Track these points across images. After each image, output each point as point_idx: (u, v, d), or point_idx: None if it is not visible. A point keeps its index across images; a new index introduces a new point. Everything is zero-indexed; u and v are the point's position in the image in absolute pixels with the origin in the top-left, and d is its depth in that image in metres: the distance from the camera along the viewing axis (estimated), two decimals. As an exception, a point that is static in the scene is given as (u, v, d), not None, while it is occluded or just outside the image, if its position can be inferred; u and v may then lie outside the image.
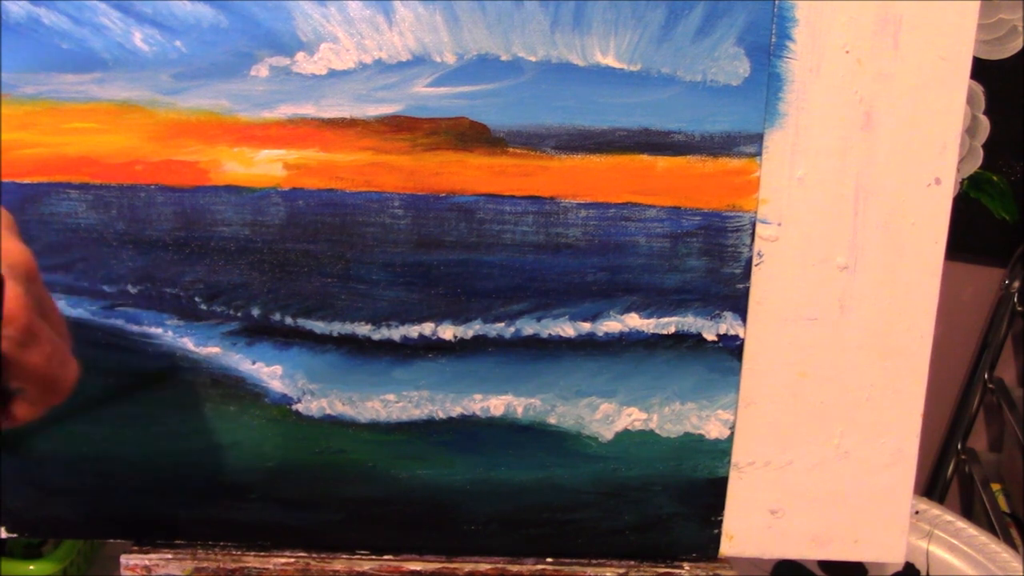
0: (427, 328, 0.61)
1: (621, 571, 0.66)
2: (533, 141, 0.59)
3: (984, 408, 1.28)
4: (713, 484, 0.65)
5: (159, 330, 0.61)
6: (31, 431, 0.61)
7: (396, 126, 0.59)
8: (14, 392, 0.40)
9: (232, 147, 0.58)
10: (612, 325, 0.62)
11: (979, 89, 1.11)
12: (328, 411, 0.62)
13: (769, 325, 0.63)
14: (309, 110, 0.58)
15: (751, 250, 0.61)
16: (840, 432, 0.65)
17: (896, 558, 0.67)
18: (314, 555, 0.65)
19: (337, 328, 0.61)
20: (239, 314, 0.61)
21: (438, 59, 0.58)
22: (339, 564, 0.64)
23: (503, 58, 0.58)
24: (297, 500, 0.64)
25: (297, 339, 0.61)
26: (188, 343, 0.61)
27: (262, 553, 0.65)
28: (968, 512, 1.28)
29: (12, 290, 0.38)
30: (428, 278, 0.61)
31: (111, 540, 0.67)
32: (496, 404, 0.63)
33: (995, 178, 1.15)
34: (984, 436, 1.33)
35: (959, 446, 1.26)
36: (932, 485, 1.28)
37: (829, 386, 0.64)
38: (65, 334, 0.42)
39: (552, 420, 0.63)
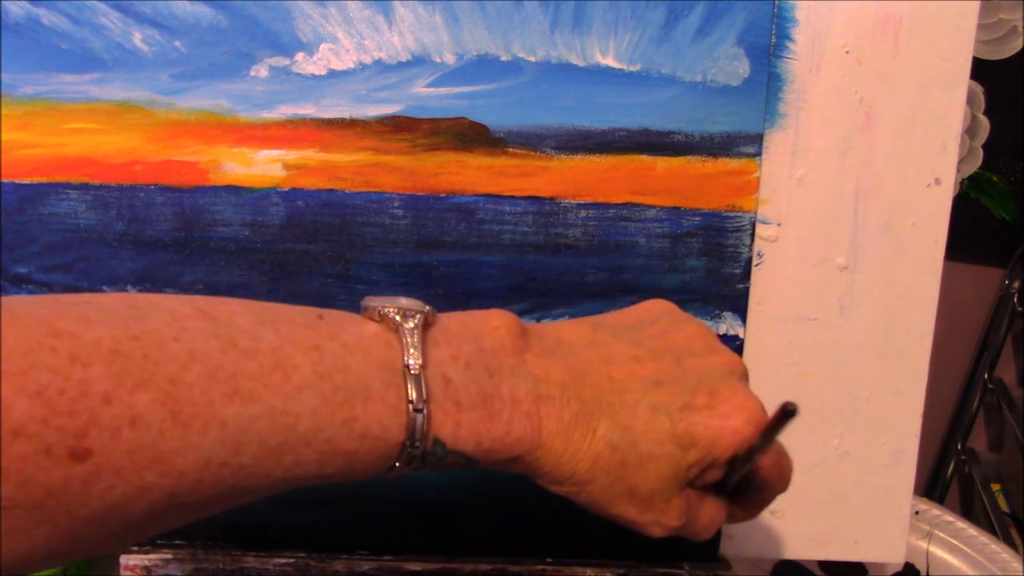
0: (427, 328, 0.61)
1: (621, 571, 0.66)
2: (533, 141, 0.59)
3: (984, 408, 1.28)
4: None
5: (159, 330, 0.60)
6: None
7: (396, 126, 0.59)
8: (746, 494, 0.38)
9: (232, 147, 0.58)
10: (612, 325, 0.62)
11: (979, 89, 1.11)
12: (328, 411, 0.62)
13: (769, 325, 0.63)
14: (309, 110, 0.58)
15: (751, 250, 0.61)
16: (840, 432, 0.65)
17: (896, 558, 0.67)
18: (314, 555, 0.65)
19: (337, 328, 0.61)
20: (239, 314, 0.61)
21: (438, 59, 0.58)
22: (339, 564, 0.64)
23: (503, 58, 0.58)
24: (297, 500, 0.64)
25: (297, 339, 0.61)
26: (188, 343, 0.61)
27: (262, 553, 0.64)
28: (968, 512, 1.29)
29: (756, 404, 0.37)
30: (428, 278, 0.61)
31: (111, 540, 0.67)
32: (496, 404, 0.62)
33: (995, 178, 1.15)
34: (984, 436, 1.33)
35: (959, 446, 1.26)
36: (932, 485, 1.28)
37: (829, 386, 0.64)
38: None
39: (552, 420, 0.63)
